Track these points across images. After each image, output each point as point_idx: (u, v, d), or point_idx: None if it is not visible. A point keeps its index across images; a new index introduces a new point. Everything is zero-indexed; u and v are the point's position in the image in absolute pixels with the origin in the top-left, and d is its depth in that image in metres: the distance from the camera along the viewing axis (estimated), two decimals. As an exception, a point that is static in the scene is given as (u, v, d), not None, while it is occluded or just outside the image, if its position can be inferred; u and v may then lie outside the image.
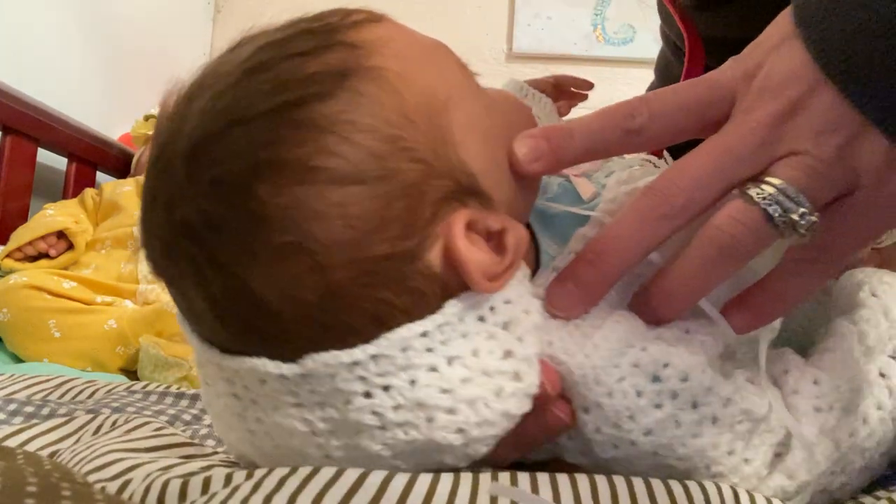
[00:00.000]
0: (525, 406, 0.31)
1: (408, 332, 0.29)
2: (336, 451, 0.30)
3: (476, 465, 0.32)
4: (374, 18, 0.33)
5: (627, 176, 0.38)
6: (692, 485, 0.31)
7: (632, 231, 0.32)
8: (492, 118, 0.35)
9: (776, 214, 0.29)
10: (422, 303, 0.30)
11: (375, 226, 0.29)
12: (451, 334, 0.30)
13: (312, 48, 0.30)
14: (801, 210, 0.29)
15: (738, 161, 0.30)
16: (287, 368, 0.29)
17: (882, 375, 0.35)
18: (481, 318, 0.31)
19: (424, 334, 0.29)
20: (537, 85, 0.68)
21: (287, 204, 0.28)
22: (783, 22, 0.31)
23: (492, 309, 0.32)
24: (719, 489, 0.31)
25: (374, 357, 0.29)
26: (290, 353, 0.29)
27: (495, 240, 0.32)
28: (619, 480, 0.30)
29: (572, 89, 0.75)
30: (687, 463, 0.32)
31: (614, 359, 0.32)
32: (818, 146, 0.29)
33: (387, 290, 0.29)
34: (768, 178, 0.30)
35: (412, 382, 0.29)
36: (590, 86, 0.76)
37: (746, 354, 0.37)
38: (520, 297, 0.32)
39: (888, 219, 0.31)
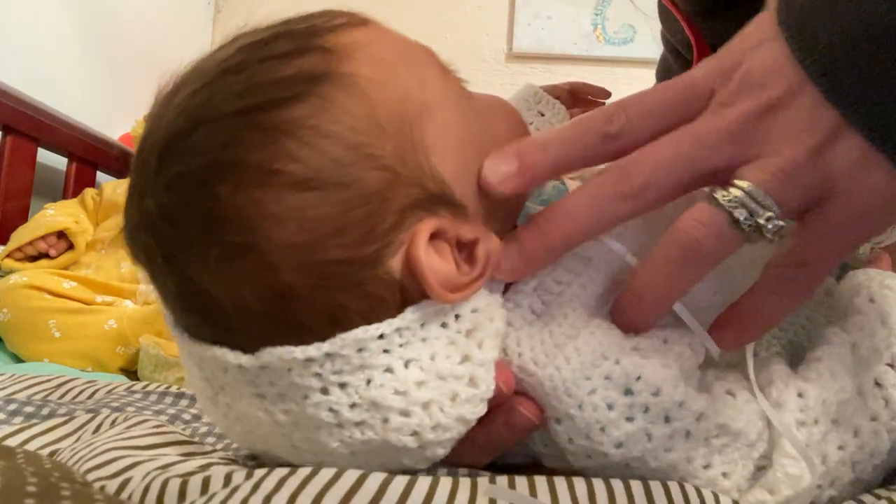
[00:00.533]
0: (480, 411, 0.31)
1: (363, 333, 0.29)
2: (300, 443, 0.31)
3: (452, 469, 0.32)
4: (356, 22, 0.33)
5: None
6: (689, 488, 0.31)
7: (585, 206, 0.31)
8: (473, 125, 0.34)
9: (742, 218, 0.29)
10: (380, 307, 0.30)
11: (332, 231, 0.29)
12: (410, 338, 0.30)
13: (289, 51, 0.31)
14: (768, 214, 0.29)
15: (705, 149, 0.30)
16: (245, 360, 0.29)
17: (878, 385, 0.34)
18: (444, 325, 0.32)
19: (381, 336, 0.30)
20: (553, 91, 0.67)
21: (243, 204, 0.28)
22: (763, 23, 0.30)
23: (457, 317, 0.32)
24: (716, 497, 0.31)
25: (328, 355, 0.29)
26: (247, 345, 0.30)
27: (466, 250, 0.32)
28: (617, 483, 0.30)
29: (589, 97, 0.74)
30: (659, 475, 0.32)
31: (586, 370, 0.31)
32: (791, 148, 0.28)
33: (342, 294, 0.29)
34: (736, 181, 0.29)
35: (368, 382, 0.30)
36: (607, 94, 0.74)
37: (730, 361, 0.36)
38: (487, 305, 0.33)
39: (864, 229, 0.30)
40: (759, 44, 0.30)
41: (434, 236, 0.31)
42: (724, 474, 0.32)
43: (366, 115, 0.30)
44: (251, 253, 0.28)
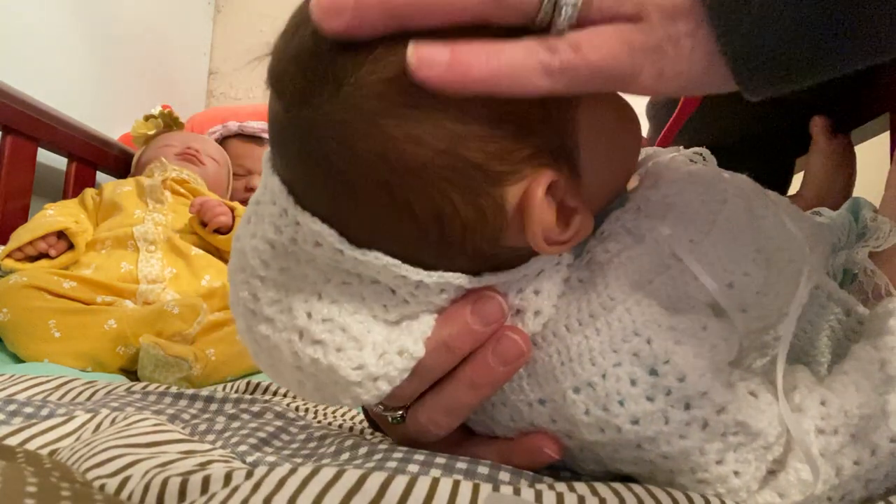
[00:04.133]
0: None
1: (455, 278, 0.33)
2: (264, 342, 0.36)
3: (448, 470, 0.33)
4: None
5: (669, 160, 0.39)
6: (695, 496, 0.31)
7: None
8: (611, 113, 0.35)
9: None
10: (481, 226, 0.32)
11: (482, 133, 0.30)
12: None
13: None
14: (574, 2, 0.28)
15: None
16: (348, 248, 0.32)
17: None
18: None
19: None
20: None
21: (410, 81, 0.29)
22: None
23: (520, 291, 0.34)
24: None
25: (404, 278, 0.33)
26: (353, 216, 0.32)
27: (565, 215, 0.33)
28: (629, 496, 0.30)
29: None
30: (670, 462, 0.32)
31: (615, 343, 0.32)
32: None
33: (458, 194, 0.31)
34: None
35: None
36: None
37: (756, 364, 0.36)
38: (549, 293, 0.35)
39: (651, 66, 0.29)
40: None
41: (549, 188, 0.32)
42: (736, 472, 0.32)
43: None
44: (406, 121, 0.29)
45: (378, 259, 0.32)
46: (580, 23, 0.29)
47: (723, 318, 0.34)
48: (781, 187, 0.93)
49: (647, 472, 0.33)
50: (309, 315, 0.33)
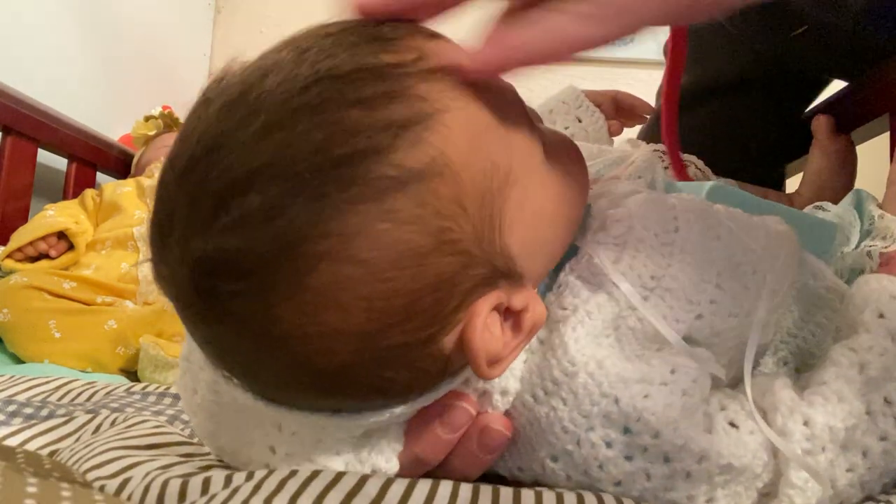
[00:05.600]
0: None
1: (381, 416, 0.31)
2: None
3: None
4: (447, 70, 0.29)
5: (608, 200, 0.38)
6: None
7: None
8: (549, 191, 0.33)
9: None
10: (423, 379, 0.30)
11: (398, 320, 0.27)
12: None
13: (377, 96, 0.27)
14: None
15: None
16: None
17: (887, 402, 0.33)
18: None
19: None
20: (595, 97, 0.65)
21: (311, 286, 0.26)
22: None
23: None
24: None
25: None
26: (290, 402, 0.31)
27: (513, 319, 0.31)
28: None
29: (631, 109, 0.70)
30: None
31: (583, 408, 0.31)
32: None
33: (392, 371, 0.29)
34: None
35: None
36: (649, 109, 0.71)
37: (731, 377, 0.35)
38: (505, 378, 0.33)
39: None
40: None
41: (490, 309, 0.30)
42: None
43: (452, 197, 0.28)
44: (308, 340, 0.27)
45: (323, 419, 0.30)
46: None
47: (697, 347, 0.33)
48: (789, 138, 0.90)
49: None
50: (273, 450, 0.32)
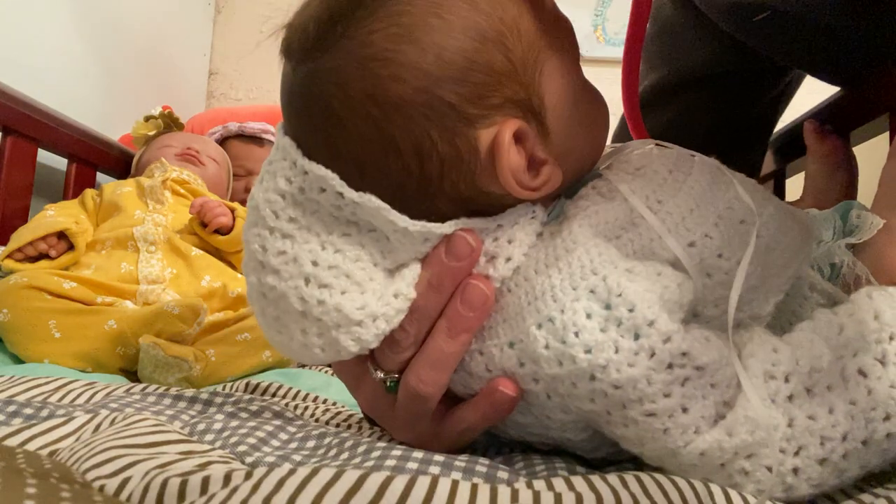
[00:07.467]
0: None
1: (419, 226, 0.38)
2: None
3: (447, 468, 0.34)
4: None
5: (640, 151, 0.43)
6: (715, 488, 0.31)
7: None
8: (577, 93, 0.40)
9: None
10: (457, 164, 0.37)
11: (456, 76, 0.35)
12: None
13: None
14: None
15: None
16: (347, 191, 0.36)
17: (862, 374, 0.34)
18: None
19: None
20: None
21: (400, 24, 0.35)
22: None
23: (496, 239, 0.39)
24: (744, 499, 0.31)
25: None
26: (343, 148, 0.37)
27: (534, 165, 0.38)
28: (624, 494, 0.30)
29: None
30: (621, 393, 0.34)
31: (574, 281, 0.35)
32: None
33: (436, 130, 0.36)
34: None
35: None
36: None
37: (713, 317, 0.38)
38: (521, 243, 0.39)
39: None
40: None
41: (518, 138, 0.37)
42: (684, 409, 0.34)
43: (514, 19, 0.37)
44: (388, 64, 0.35)
45: (371, 202, 0.36)
46: None
47: (680, 267, 0.37)
48: (757, 130, 0.92)
49: (603, 408, 0.35)
50: (315, 263, 0.37)
